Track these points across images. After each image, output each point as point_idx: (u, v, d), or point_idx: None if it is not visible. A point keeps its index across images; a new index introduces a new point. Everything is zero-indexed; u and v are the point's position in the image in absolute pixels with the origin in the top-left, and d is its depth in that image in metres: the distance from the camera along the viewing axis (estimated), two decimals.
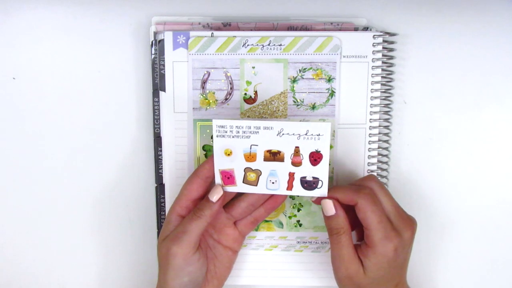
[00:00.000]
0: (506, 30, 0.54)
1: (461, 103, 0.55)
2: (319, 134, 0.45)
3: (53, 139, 0.55)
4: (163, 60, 0.52)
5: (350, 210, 0.47)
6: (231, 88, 0.52)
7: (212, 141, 0.53)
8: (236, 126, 0.46)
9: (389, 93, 0.53)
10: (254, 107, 0.53)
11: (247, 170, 0.47)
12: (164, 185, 0.53)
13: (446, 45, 0.54)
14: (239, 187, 0.48)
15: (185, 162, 0.53)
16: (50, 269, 0.57)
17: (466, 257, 0.57)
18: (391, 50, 0.52)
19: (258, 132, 0.46)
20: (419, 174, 0.56)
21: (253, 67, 0.52)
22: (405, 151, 0.55)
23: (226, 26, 0.53)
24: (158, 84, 0.52)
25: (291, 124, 0.45)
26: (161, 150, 0.53)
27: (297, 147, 0.46)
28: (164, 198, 0.54)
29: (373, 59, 0.52)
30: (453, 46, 0.54)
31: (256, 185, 0.48)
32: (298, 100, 0.53)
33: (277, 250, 0.55)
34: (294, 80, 0.52)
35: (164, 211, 0.54)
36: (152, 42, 0.52)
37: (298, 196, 0.50)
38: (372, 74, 0.52)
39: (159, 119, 0.53)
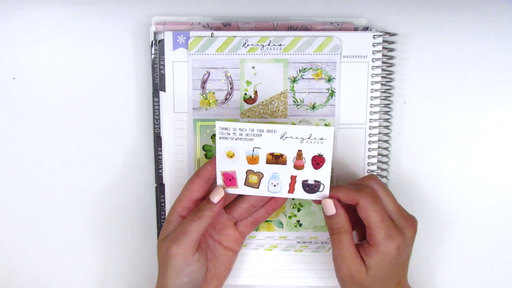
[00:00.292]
0: (506, 30, 0.54)
1: (461, 103, 0.55)
2: (322, 138, 0.45)
3: (53, 139, 0.55)
4: (163, 60, 0.52)
5: (350, 210, 0.47)
6: (231, 88, 0.52)
7: (212, 141, 0.53)
8: (239, 129, 0.46)
9: (389, 93, 0.53)
10: (254, 107, 0.53)
11: (249, 172, 0.47)
12: (164, 185, 0.53)
13: (446, 45, 0.54)
14: (240, 189, 0.48)
15: (185, 162, 0.53)
16: (50, 269, 0.57)
17: (466, 256, 0.57)
18: (391, 50, 0.52)
19: (261, 135, 0.46)
20: (419, 174, 0.56)
21: (253, 67, 0.52)
22: (405, 151, 0.55)
23: (226, 26, 0.53)
24: (158, 84, 0.52)
25: (294, 128, 0.45)
26: (161, 150, 0.53)
27: (299, 151, 0.46)
28: (164, 198, 0.54)
29: (373, 59, 0.52)
30: (453, 46, 0.54)
31: (258, 188, 0.48)
32: (298, 100, 0.53)
33: (277, 250, 0.55)
34: (294, 80, 0.52)
35: (164, 211, 0.54)
36: (152, 42, 0.52)
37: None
38: (372, 74, 0.52)
39: (159, 119, 0.53)
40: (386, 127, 0.54)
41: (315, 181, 0.47)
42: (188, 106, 0.52)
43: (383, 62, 0.52)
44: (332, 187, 0.47)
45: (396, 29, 0.53)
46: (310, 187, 0.47)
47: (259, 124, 0.45)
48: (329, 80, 0.52)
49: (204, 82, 0.52)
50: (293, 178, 0.47)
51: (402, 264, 0.48)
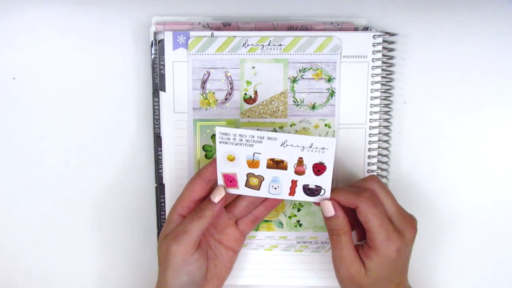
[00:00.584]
0: (506, 30, 0.54)
1: (461, 103, 0.55)
2: (323, 148, 0.45)
3: (53, 139, 0.55)
4: (163, 60, 0.52)
5: (350, 211, 0.47)
6: (231, 88, 0.52)
7: (213, 141, 0.53)
8: (240, 135, 0.45)
9: (389, 93, 0.53)
10: (254, 107, 0.53)
11: (249, 175, 0.47)
12: (164, 185, 0.53)
13: (446, 45, 0.54)
14: (241, 190, 0.48)
15: (185, 162, 0.53)
16: (50, 268, 0.57)
17: (466, 256, 0.57)
18: (391, 50, 0.52)
19: (261, 142, 0.45)
20: (419, 174, 0.56)
21: (253, 67, 0.52)
22: (405, 151, 0.55)
23: (226, 26, 0.53)
24: (158, 84, 0.52)
25: (295, 137, 0.45)
26: (161, 150, 0.53)
27: (300, 158, 0.46)
28: (164, 198, 0.53)
29: (373, 59, 0.52)
30: (453, 46, 0.54)
31: (259, 189, 0.47)
32: (298, 100, 0.53)
33: (277, 250, 0.55)
34: (294, 80, 0.52)
35: (164, 211, 0.54)
36: (152, 42, 0.52)
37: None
38: (372, 74, 0.52)
39: (159, 119, 0.53)
40: (386, 127, 0.54)
41: (316, 186, 0.47)
42: (188, 106, 0.52)
43: (383, 62, 0.52)
44: (332, 190, 0.47)
45: (396, 29, 0.53)
46: (311, 191, 0.47)
47: (260, 132, 0.45)
48: (329, 80, 0.52)
49: (204, 82, 0.52)
50: (294, 182, 0.47)
51: (402, 265, 0.48)
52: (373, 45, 0.52)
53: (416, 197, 0.56)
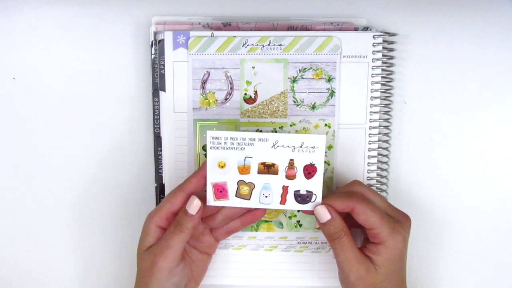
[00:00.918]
0: (506, 30, 0.54)
1: (461, 103, 0.55)
2: (314, 147, 0.45)
3: (53, 139, 0.55)
4: (163, 60, 0.52)
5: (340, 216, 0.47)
6: (231, 88, 0.52)
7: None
8: (231, 138, 0.45)
9: (389, 93, 0.53)
10: (254, 107, 0.53)
11: (240, 183, 0.47)
12: (164, 185, 0.53)
13: (446, 45, 0.54)
14: (231, 201, 0.47)
15: (185, 162, 0.53)
16: (49, 268, 0.57)
17: (466, 256, 0.57)
18: (391, 50, 0.53)
19: (252, 144, 0.46)
20: (419, 174, 0.56)
21: (253, 67, 0.52)
22: (405, 151, 0.55)
23: (226, 26, 0.53)
24: (158, 84, 0.52)
25: (286, 136, 0.45)
26: (161, 150, 0.53)
27: (291, 160, 0.46)
28: (164, 198, 0.53)
29: (373, 59, 0.52)
30: (453, 46, 0.54)
31: (249, 199, 0.47)
32: (298, 100, 0.53)
33: (277, 251, 0.55)
34: (294, 80, 0.52)
35: None
36: (152, 42, 0.52)
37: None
38: (372, 74, 0.52)
39: (159, 119, 0.53)
40: (386, 127, 0.54)
41: (307, 191, 0.46)
42: (188, 106, 0.52)
43: (383, 62, 0.52)
44: (324, 197, 0.47)
45: (396, 29, 0.53)
46: (302, 198, 0.47)
47: (251, 133, 0.45)
48: (329, 80, 0.52)
49: (204, 82, 0.52)
50: (285, 189, 0.47)
51: (405, 258, 0.48)
52: (373, 45, 0.52)
53: (416, 197, 0.56)
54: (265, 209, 0.49)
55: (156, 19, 0.53)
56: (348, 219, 0.47)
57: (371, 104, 0.53)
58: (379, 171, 0.54)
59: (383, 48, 0.52)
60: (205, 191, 0.47)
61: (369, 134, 0.53)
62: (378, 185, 0.54)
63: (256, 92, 0.52)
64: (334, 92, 0.52)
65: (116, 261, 0.57)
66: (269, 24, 0.53)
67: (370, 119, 0.53)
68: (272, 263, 0.55)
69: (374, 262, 0.46)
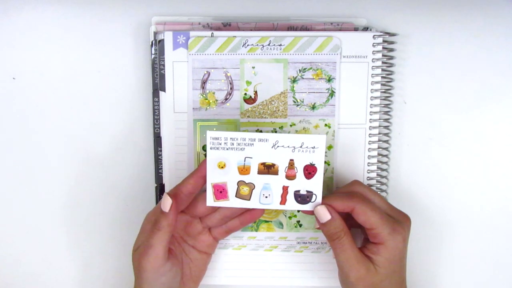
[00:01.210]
0: (506, 30, 0.54)
1: (461, 103, 0.55)
2: (314, 147, 0.45)
3: (53, 139, 0.55)
4: (163, 60, 0.52)
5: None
6: (231, 88, 0.52)
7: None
8: (231, 138, 0.45)
9: (389, 93, 0.53)
10: (254, 107, 0.53)
11: (240, 183, 0.47)
12: (164, 185, 0.53)
13: (446, 45, 0.54)
14: (231, 201, 0.47)
15: (185, 162, 0.53)
16: (49, 268, 0.57)
17: (466, 256, 0.57)
18: (391, 50, 0.53)
19: (252, 144, 0.45)
20: (419, 174, 0.56)
21: (253, 67, 0.52)
22: (405, 151, 0.55)
23: (226, 26, 0.53)
24: (158, 84, 0.52)
25: (286, 136, 0.45)
26: (161, 150, 0.53)
27: (291, 160, 0.46)
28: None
29: (373, 59, 0.52)
30: (453, 46, 0.54)
31: (249, 199, 0.47)
32: (298, 100, 0.53)
33: (277, 251, 0.55)
34: (294, 80, 0.52)
35: None
36: (152, 42, 0.52)
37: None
38: (372, 74, 0.52)
39: (159, 119, 0.53)
40: (386, 127, 0.54)
41: (307, 191, 0.46)
42: (188, 106, 0.52)
43: (383, 62, 0.52)
44: (324, 197, 0.47)
45: (396, 29, 0.53)
46: (302, 198, 0.47)
47: (251, 133, 0.45)
48: (329, 80, 0.52)
49: (204, 82, 0.52)
50: (285, 189, 0.47)
51: (405, 258, 0.48)
52: (373, 45, 0.52)
53: (416, 197, 0.56)
54: (264, 209, 0.49)
55: (156, 19, 0.53)
56: (348, 219, 0.47)
57: (371, 104, 0.53)
58: (379, 171, 0.54)
59: (383, 48, 0.52)
60: (205, 191, 0.47)
61: (369, 134, 0.53)
62: (378, 185, 0.54)
63: (256, 92, 0.52)
64: (334, 92, 0.52)
65: (116, 261, 0.57)
66: (269, 24, 0.53)
67: (370, 119, 0.53)
68: (272, 263, 0.55)
69: (374, 262, 0.46)
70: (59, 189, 0.56)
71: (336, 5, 0.54)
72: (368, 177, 0.54)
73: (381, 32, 0.52)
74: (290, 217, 0.54)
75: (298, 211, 0.54)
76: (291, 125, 0.53)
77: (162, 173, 0.53)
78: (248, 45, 0.51)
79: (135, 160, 0.55)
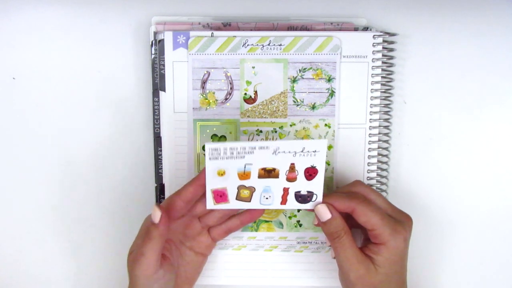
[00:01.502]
0: (506, 30, 0.54)
1: (461, 103, 0.55)
2: (315, 151, 0.45)
3: (53, 139, 0.55)
4: (163, 60, 0.52)
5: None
6: (231, 88, 0.52)
7: (213, 140, 0.53)
8: (230, 148, 0.44)
9: (389, 93, 0.53)
10: (254, 107, 0.53)
11: (240, 187, 0.46)
12: (164, 185, 0.53)
13: (446, 45, 0.54)
14: (231, 204, 0.47)
15: (185, 162, 0.53)
16: (49, 268, 0.57)
17: (466, 256, 0.57)
18: (391, 50, 0.53)
19: (253, 152, 0.45)
20: (419, 174, 0.56)
21: (253, 67, 0.52)
22: (405, 151, 0.55)
23: (226, 26, 0.53)
24: (158, 84, 0.52)
25: (287, 143, 0.44)
26: (161, 150, 0.53)
27: (292, 164, 0.45)
28: (164, 198, 0.53)
29: (373, 59, 0.52)
30: (453, 46, 0.54)
31: (250, 201, 0.47)
32: (298, 100, 0.53)
33: (277, 251, 0.55)
34: (294, 80, 0.52)
35: None
36: (152, 42, 0.52)
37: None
38: (372, 74, 0.52)
39: (159, 119, 0.53)
40: (386, 127, 0.54)
41: (308, 191, 0.46)
42: (188, 106, 0.52)
43: (383, 62, 0.52)
44: (325, 196, 0.47)
45: (396, 29, 0.53)
46: (303, 198, 0.46)
47: (251, 142, 0.44)
48: (329, 80, 0.52)
49: (204, 82, 0.52)
50: (286, 190, 0.46)
51: (406, 259, 0.48)
52: (373, 45, 0.52)
53: (416, 197, 0.56)
54: (264, 209, 0.49)
55: (156, 19, 0.53)
56: (349, 219, 0.47)
57: (371, 104, 0.53)
58: (379, 171, 0.54)
59: (383, 48, 0.52)
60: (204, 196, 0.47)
61: (369, 134, 0.53)
62: (378, 185, 0.54)
63: (256, 92, 0.52)
64: (334, 92, 0.52)
65: (115, 261, 0.57)
66: (269, 24, 0.53)
67: (370, 119, 0.53)
68: (272, 263, 0.55)
69: (374, 262, 0.46)
70: (58, 188, 0.56)
71: (336, 5, 0.54)
72: (368, 177, 0.54)
73: (381, 32, 0.52)
74: (290, 217, 0.54)
75: (298, 210, 0.54)
76: (291, 125, 0.53)
77: (162, 173, 0.53)
78: (248, 45, 0.51)
79: (135, 160, 0.55)
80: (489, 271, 0.57)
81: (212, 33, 0.51)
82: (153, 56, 0.52)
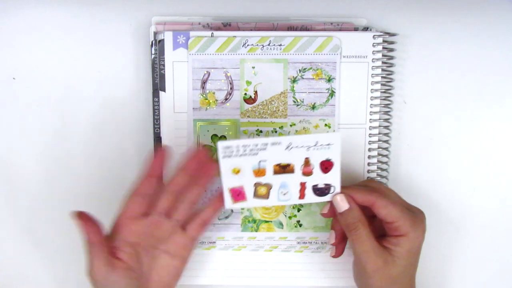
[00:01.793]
0: (506, 30, 0.54)
1: (461, 103, 0.55)
2: (329, 144, 0.45)
3: (53, 139, 0.55)
4: (163, 60, 0.52)
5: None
6: (231, 88, 0.52)
7: (213, 141, 0.53)
8: (243, 145, 0.44)
9: (389, 93, 0.53)
10: (254, 107, 0.53)
11: (257, 185, 0.46)
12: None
13: (446, 45, 0.54)
14: (249, 202, 0.47)
15: None
16: (48, 268, 0.57)
17: (466, 256, 0.57)
18: (391, 50, 0.53)
19: (265, 148, 0.45)
20: (419, 174, 0.56)
21: (253, 67, 0.52)
22: (405, 151, 0.55)
23: (226, 26, 0.53)
24: (158, 84, 0.52)
25: (299, 138, 0.44)
26: None
27: (307, 158, 0.45)
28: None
29: (373, 59, 0.52)
30: (453, 46, 0.54)
31: (267, 198, 0.47)
32: (298, 100, 0.53)
33: (277, 251, 0.55)
34: (294, 80, 0.52)
35: None
36: (152, 42, 0.52)
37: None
38: (372, 74, 0.52)
39: (159, 119, 0.53)
40: (386, 127, 0.54)
41: (325, 184, 0.46)
42: (188, 106, 0.52)
43: (383, 62, 0.52)
44: (344, 187, 0.46)
45: (396, 29, 0.53)
46: (321, 191, 0.46)
47: (263, 139, 0.44)
48: (329, 80, 0.52)
49: (204, 82, 0.52)
50: (303, 185, 0.46)
51: (420, 253, 0.48)
52: (373, 45, 0.52)
53: (416, 197, 0.56)
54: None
55: (156, 19, 0.53)
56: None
57: (371, 104, 0.53)
58: (379, 171, 0.54)
59: (383, 48, 0.52)
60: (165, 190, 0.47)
61: (369, 134, 0.53)
62: None
63: (256, 92, 0.52)
64: (334, 92, 0.52)
65: None
66: (269, 24, 0.53)
67: (370, 119, 0.53)
68: (272, 263, 0.55)
69: (393, 253, 0.46)
70: (58, 189, 0.56)
71: (336, 5, 0.54)
72: (368, 177, 0.54)
73: (381, 32, 0.52)
74: (290, 217, 0.54)
75: (299, 211, 0.54)
76: (291, 125, 0.53)
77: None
78: (248, 45, 0.51)
79: (135, 160, 0.55)
80: (490, 271, 0.57)
81: (212, 33, 0.51)
82: (153, 56, 0.52)
